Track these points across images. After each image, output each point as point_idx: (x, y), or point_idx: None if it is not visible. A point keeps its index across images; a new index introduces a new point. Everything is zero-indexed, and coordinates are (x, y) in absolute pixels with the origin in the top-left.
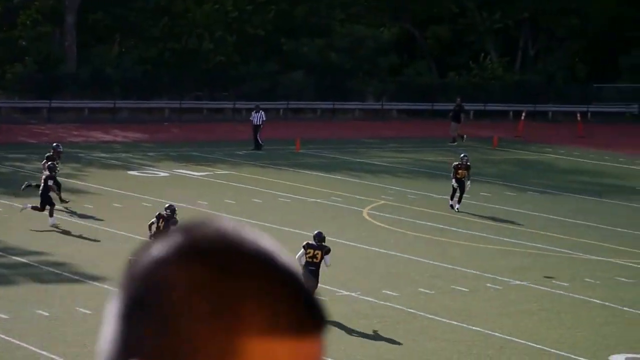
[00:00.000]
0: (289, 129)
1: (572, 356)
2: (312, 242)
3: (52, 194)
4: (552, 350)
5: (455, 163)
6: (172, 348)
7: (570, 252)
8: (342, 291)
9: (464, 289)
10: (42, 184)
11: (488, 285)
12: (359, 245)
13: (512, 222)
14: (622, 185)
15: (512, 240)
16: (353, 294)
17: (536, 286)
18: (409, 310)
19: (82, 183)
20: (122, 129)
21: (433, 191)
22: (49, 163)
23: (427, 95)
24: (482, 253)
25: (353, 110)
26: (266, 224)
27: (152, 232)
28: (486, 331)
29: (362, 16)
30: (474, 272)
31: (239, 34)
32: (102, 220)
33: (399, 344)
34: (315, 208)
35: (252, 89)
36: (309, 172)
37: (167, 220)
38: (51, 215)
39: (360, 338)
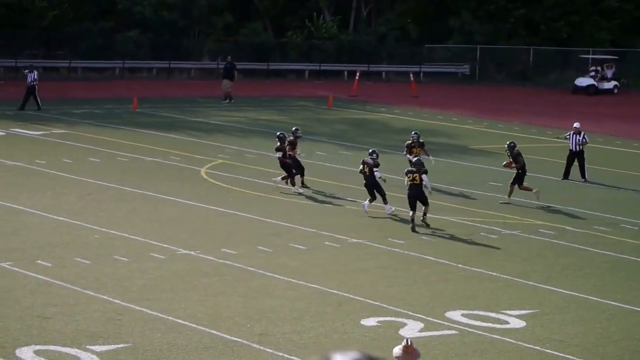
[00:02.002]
0: (125, 88)
1: (410, 313)
2: (411, 168)
3: None
4: (390, 307)
5: (407, 142)
6: None
7: (404, 209)
8: (181, 250)
9: (302, 247)
10: None
11: (326, 243)
12: (198, 204)
13: (349, 181)
14: (455, 144)
15: (349, 199)
16: (192, 252)
17: (373, 244)
18: (248, 268)
19: None
20: None
21: (270, 150)
22: None
23: (262, 55)
24: (321, 211)
25: (189, 70)
26: (105, 183)
27: None
28: (324, 288)
29: None
30: (312, 230)
31: None
32: None
33: (238, 301)
34: (153, 167)
35: (88, 47)
36: (146, 131)
37: None
38: None
39: (199, 296)
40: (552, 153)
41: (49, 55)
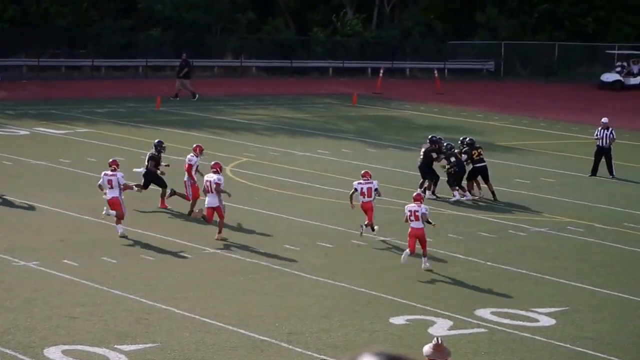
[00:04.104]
0: (149, 86)
1: (439, 311)
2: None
3: None
4: (419, 305)
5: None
6: None
7: (433, 207)
8: (208, 248)
9: (329, 245)
10: None
11: (353, 241)
12: (223, 202)
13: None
14: (481, 141)
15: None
16: (219, 251)
17: (401, 242)
18: (275, 266)
19: None
20: None
21: (294, 148)
22: None
23: (286, 52)
24: (346, 209)
25: (212, 68)
26: (130, 182)
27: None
28: (352, 287)
29: None
30: (339, 228)
31: None
32: None
33: (265, 300)
34: (178, 166)
35: (110, 46)
36: (170, 130)
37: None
38: None
39: (227, 295)
40: (579, 149)
41: (72, 55)
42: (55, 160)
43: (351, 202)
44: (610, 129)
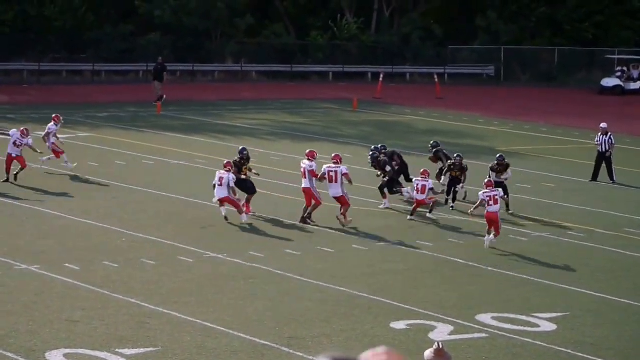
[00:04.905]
0: (149, 91)
1: (440, 316)
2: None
3: None
4: (420, 310)
5: (449, 162)
6: None
7: (436, 213)
8: (208, 253)
9: (330, 250)
10: None
11: (354, 246)
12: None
13: (375, 183)
14: (482, 146)
15: (374, 201)
16: (220, 255)
17: (401, 246)
18: (276, 271)
19: None
20: None
21: (296, 153)
22: None
23: (285, 56)
24: (348, 214)
25: (213, 72)
26: (131, 186)
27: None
28: (353, 291)
29: None
30: (340, 233)
31: None
32: None
33: (266, 305)
34: (179, 170)
35: (110, 51)
36: (171, 134)
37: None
38: None
39: (228, 300)
40: (580, 154)
41: (72, 59)
42: (56, 164)
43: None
44: (609, 134)
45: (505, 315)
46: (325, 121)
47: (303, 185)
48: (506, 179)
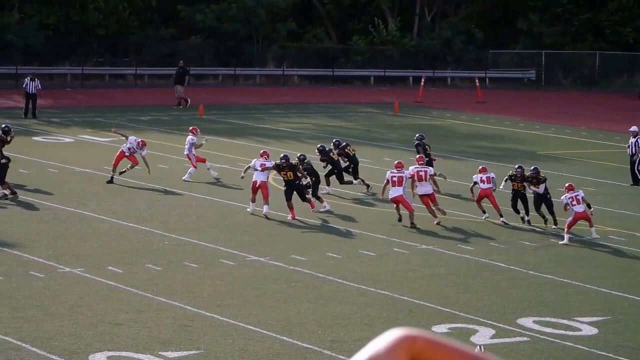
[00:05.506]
0: (191, 94)
1: (481, 319)
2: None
3: None
4: (461, 313)
5: (510, 173)
6: None
7: (476, 216)
8: (250, 256)
9: (371, 254)
10: None
11: (395, 249)
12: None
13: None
14: (523, 150)
15: (418, 205)
16: (261, 258)
17: (443, 250)
18: (318, 274)
19: None
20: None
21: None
22: None
23: (327, 60)
24: (388, 218)
25: (255, 76)
26: (173, 190)
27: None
28: (395, 295)
29: None
30: (381, 236)
31: (128, 1)
32: None
33: (308, 308)
34: (222, 174)
35: (153, 55)
36: (213, 138)
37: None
38: None
39: (270, 303)
40: (620, 159)
41: (114, 63)
42: (99, 168)
43: (382, 194)
44: (637, 137)
45: (547, 319)
46: (366, 125)
47: (395, 195)
48: (537, 193)
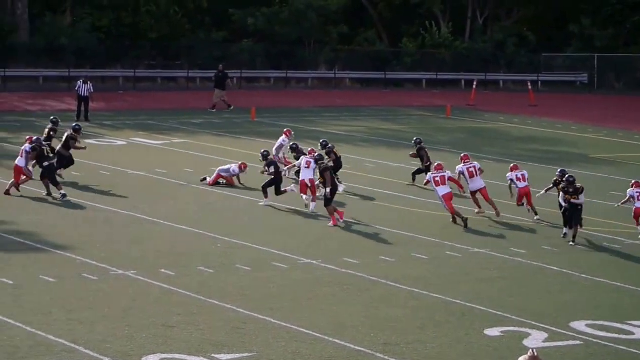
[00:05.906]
0: (244, 97)
1: (534, 323)
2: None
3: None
4: (514, 317)
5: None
6: None
7: (527, 220)
8: (302, 259)
9: (424, 257)
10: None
11: (447, 253)
12: (317, 213)
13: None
14: (575, 153)
15: (469, 208)
16: (314, 261)
17: (495, 254)
18: (370, 277)
19: None
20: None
21: (390, 159)
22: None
23: (379, 63)
24: (441, 221)
25: (306, 79)
26: (225, 193)
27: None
28: (447, 298)
29: None
30: (434, 239)
31: (180, 4)
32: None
33: (361, 311)
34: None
35: (205, 58)
36: (265, 141)
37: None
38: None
39: (322, 306)
40: None
41: (166, 66)
42: (151, 171)
43: (511, 191)
44: None
45: (600, 322)
46: (419, 128)
47: (444, 193)
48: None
